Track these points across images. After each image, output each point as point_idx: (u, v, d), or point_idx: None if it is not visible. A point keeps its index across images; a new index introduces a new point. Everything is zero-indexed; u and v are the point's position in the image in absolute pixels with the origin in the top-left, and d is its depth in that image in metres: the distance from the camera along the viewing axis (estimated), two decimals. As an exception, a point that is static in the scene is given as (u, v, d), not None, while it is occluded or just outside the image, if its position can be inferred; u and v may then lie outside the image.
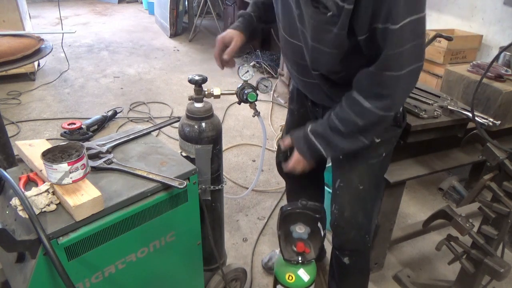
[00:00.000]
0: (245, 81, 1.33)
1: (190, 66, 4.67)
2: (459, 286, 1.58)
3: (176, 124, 1.35)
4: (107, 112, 3.25)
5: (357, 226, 1.30)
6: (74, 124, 2.83)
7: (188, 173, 1.14)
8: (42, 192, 0.92)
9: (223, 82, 4.20)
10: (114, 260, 1.03)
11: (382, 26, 0.91)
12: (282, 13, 1.17)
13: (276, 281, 1.54)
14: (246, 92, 1.31)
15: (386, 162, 1.31)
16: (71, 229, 0.91)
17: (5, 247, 0.84)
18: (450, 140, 1.68)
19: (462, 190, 2.33)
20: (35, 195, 0.91)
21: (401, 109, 1.25)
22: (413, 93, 1.69)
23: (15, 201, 0.90)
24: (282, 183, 2.31)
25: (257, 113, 1.38)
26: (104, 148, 1.17)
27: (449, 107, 1.55)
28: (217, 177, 1.37)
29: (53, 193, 0.95)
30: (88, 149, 1.14)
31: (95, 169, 1.09)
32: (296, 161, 1.19)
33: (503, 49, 1.60)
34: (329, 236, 1.77)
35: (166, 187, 1.07)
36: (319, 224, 1.45)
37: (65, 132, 2.85)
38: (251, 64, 1.35)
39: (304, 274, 1.47)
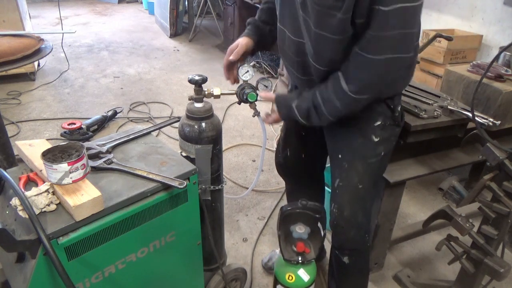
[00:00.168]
0: (245, 81, 1.33)
1: (190, 66, 4.67)
2: (459, 286, 1.58)
3: (176, 124, 1.35)
4: (107, 112, 3.25)
5: (357, 225, 1.30)
6: (74, 124, 2.83)
7: (188, 173, 1.14)
8: (42, 192, 0.92)
9: (223, 82, 4.18)
10: (114, 260, 1.03)
11: (375, 7, 0.93)
12: (281, 6, 1.18)
13: (276, 281, 1.54)
14: (246, 92, 1.31)
15: (385, 161, 1.31)
16: (71, 229, 0.91)
17: (5, 247, 0.84)
18: (450, 140, 1.68)
19: (462, 190, 2.33)
20: (35, 195, 0.91)
21: (399, 108, 1.25)
22: (413, 93, 1.69)
23: (15, 201, 0.90)
24: (282, 183, 2.30)
25: (257, 113, 1.38)
26: (104, 148, 1.17)
27: (449, 107, 1.55)
28: (217, 177, 1.37)
29: (53, 193, 0.96)
30: (88, 149, 1.14)
31: (95, 169, 1.09)
32: (275, 121, 1.28)
33: (503, 49, 1.60)
34: (329, 235, 1.77)
35: (166, 187, 1.07)
36: (319, 224, 1.45)
37: (65, 132, 2.85)
38: (251, 64, 1.35)
39: (304, 274, 1.47)
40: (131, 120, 3.31)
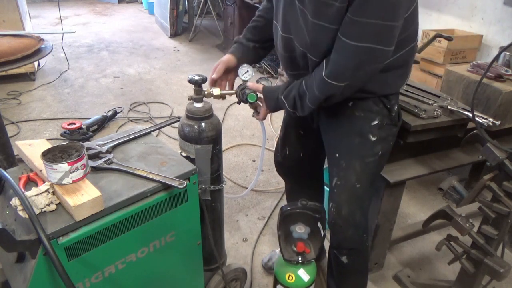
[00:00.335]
0: (245, 81, 1.33)
1: (190, 66, 4.67)
2: (459, 286, 1.58)
3: (176, 124, 1.35)
4: (107, 112, 3.25)
5: (355, 224, 1.30)
6: (74, 124, 2.82)
7: (188, 173, 1.14)
8: (42, 192, 0.92)
9: (223, 82, 4.19)
10: (114, 260, 1.03)
11: None
12: (276, 0, 1.21)
13: (276, 281, 1.54)
14: (246, 92, 1.31)
15: (382, 161, 1.32)
16: (71, 229, 0.91)
17: (5, 247, 0.84)
18: (450, 140, 1.68)
19: (462, 190, 2.33)
20: (35, 195, 0.91)
21: (395, 107, 1.26)
22: (413, 93, 1.69)
23: (15, 201, 0.90)
24: (282, 183, 2.30)
25: (256, 113, 1.38)
26: (104, 148, 1.17)
27: (449, 107, 1.55)
28: (217, 177, 1.37)
29: (53, 193, 0.96)
30: (88, 149, 1.14)
31: (95, 169, 1.09)
32: (264, 114, 1.33)
33: (503, 49, 1.60)
34: (328, 235, 1.77)
35: (166, 187, 1.07)
36: (319, 224, 1.45)
37: (65, 132, 2.85)
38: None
39: (304, 274, 1.47)
40: (131, 120, 3.31)
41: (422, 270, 1.94)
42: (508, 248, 2.03)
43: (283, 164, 1.66)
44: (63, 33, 4.45)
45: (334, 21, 1.03)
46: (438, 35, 1.92)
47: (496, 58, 1.36)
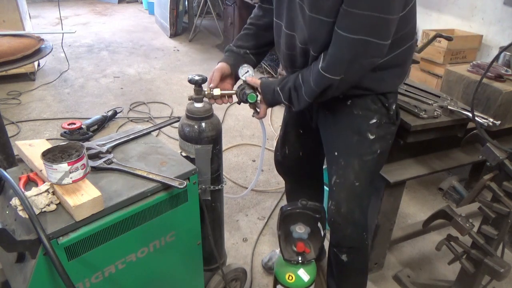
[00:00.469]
0: (245, 81, 1.33)
1: (190, 66, 4.67)
2: (459, 286, 1.58)
3: (176, 124, 1.35)
4: (107, 112, 3.25)
5: (354, 223, 1.30)
6: (74, 124, 2.83)
7: (188, 173, 1.14)
8: (42, 192, 0.92)
9: (223, 82, 4.19)
10: (114, 260, 1.03)
11: None
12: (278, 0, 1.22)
13: (276, 281, 1.54)
14: (246, 92, 1.31)
15: (381, 159, 1.32)
16: (71, 229, 0.91)
17: (5, 247, 0.84)
18: (450, 140, 1.68)
19: (462, 190, 2.33)
20: (35, 195, 0.91)
21: (394, 106, 1.27)
22: (413, 93, 1.69)
23: (15, 201, 0.90)
24: (282, 183, 2.30)
25: (256, 113, 1.38)
26: (104, 148, 1.17)
27: (449, 107, 1.55)
28: (217, 177, 1.37)
29: (53, 193, 0.96)
30: (88, 149, 1.14)
31: (95, 169, 1.09)
32: (264, 111, 1.33)
33: (503, 49, 1.60)
34: (328, 235, 1.77)
35: (166, 187, 1.07)
36: (319, 224, 1.45)
37: (65, 132, 2.85)
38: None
39: (304, 274, 1.47)
40: (131, 120, 3.31)
41: (422, 270, 1.94)
42: (508, 248, 2.03)
43: (282, 163, 1.66)
44: (63, 33, 4.45)
45: (330, 14, 1.04)
46: (438, 35, 1.92)
47: (496, 58, 1.36)
